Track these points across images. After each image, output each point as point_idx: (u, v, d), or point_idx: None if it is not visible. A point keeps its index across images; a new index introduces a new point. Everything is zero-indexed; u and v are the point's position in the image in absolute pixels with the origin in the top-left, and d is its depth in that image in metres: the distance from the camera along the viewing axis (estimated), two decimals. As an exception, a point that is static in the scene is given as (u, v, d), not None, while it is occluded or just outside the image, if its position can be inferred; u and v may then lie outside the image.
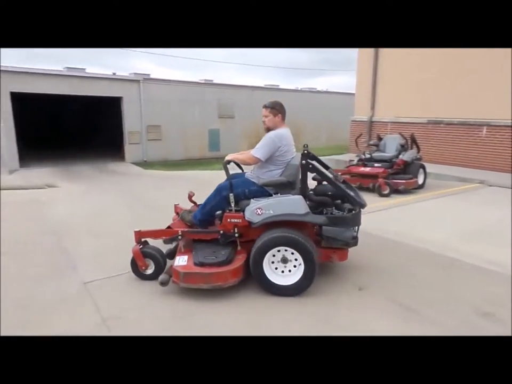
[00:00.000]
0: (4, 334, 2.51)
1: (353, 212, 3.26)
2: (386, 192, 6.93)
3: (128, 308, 2.92)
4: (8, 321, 2.70)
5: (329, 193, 3.43)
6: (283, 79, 67.04)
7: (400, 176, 7.24)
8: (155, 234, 3.54)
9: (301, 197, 3.15)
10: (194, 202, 4.06)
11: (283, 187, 3.29)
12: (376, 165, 7.45)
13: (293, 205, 3.09)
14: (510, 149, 8.82)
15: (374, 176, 7.15)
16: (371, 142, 8.65)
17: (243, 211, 3.22)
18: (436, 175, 8.62)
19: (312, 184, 3.57)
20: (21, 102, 12.59)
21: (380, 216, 5.49)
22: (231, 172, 3.51)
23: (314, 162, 3.35)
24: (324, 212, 3.32)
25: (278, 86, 21.65)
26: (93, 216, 5.65)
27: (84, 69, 14.65)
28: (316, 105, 21.69)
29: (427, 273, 3.55)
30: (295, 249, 3.03)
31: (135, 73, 15.41)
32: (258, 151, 3.30)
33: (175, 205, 4.12)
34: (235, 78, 67.82)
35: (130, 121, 15.02)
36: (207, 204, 3.50)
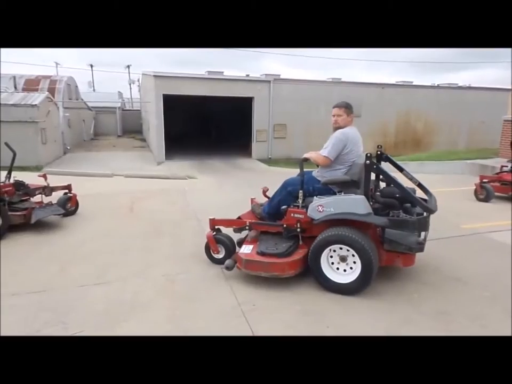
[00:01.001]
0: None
1: (421, 216, 3.12)
2: (543, 204, 5.86)
3: (258, 297, 3.19)
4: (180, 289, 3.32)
5: (397, 195, 3.28)
6: (418, 74, 61.94)
7: None
8: (226, 223, 3.90)
9: (363, 197, 3.11)
10: (268, 197, 4.26)
11: (347, 186, 3.31)
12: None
13: (354, 204, 3.07)
14: None
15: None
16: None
17: (307, 207, 3.31)
18: None
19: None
20: (169, 102, 14.55)
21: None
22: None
23: (383, 164, 3.40)
24: (390, 215, 3.17)
25: (411, 82, 20.08)
26: (225, 207, 6.23)
27: (222, 72, 16.10)
28: (457, 102, 19.40)
29: None
30: (352, 248, 3.03)
31: (266, 74, 16.24)
32: (326, 150, 3.42)
33: (252, 199, 4.38)
34: (364, 75, 65.42)
35: (259, 120, 15.91)
36: (274, 198, 3.75)
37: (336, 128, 3.58)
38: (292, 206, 3.48)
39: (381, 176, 3.49)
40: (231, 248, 3.77)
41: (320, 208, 3.19)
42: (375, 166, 3.21)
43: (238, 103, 16.84)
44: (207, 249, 3.87)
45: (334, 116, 3.58)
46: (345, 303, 3.06)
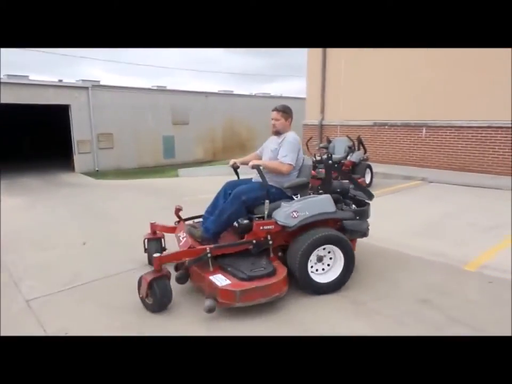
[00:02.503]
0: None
1: (367, 204, 3.55)
2: (336, 192, 7.24)
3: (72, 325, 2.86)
4: None
5: (338, 190, 3.61)
6: (237, 84, 67.47)
7: (349, 176, 7.62)
8: (177, 256, 3.07)
9: (329, 196, 3.29)
10: (180, 218, 3.77)
11: (301, 188, 3.37)
12: (326, 166, 7.78)
13: (324, 204, 3.20)
14: (447, 147, 9.54)
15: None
16: (321, 145, 8.99)
17: (268, 216, 3.15)
18: (382, 174, 9.12)
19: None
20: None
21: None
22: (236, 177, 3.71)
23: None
24: (340, 208, 3.46)
25: (232, 91, 21.82)
26: (33, 232, 5.37)
27: (27, 76, 13.96)
28: (270, 110, 22.07)
29: (375, 268, 3.77)
30: (338, 246, 3.13)
31: (83, 80, 14.90)
32: (288, 157, 3.28)
33: (152, 223, 3.80)
34: (188, 84, 67.42)
35: (80, 129, 14.48)
36: (223, 213, 3.23)
37: (275, 132, 3.51)
38: (255, 219, 3.18)
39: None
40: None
41: (294, 214, 3.06)
42: (336, 165, 3.37)
43: (53, 111, 14.91)
44: (138, 287, 3.03)
45: (272, 119, 3.51)
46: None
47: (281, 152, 3.33)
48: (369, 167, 8.09)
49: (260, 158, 3.66)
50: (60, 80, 14.90)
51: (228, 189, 3.50)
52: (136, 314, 2.90)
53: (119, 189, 9.29)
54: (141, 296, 2.99)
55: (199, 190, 8.26)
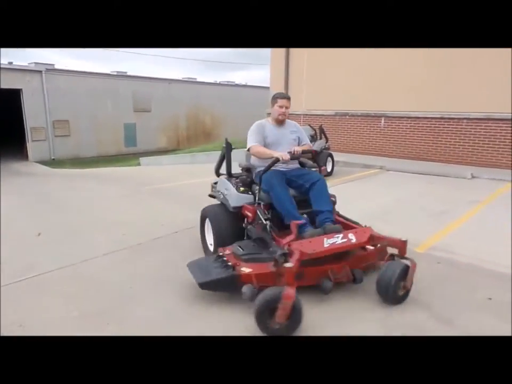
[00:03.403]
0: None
1: None
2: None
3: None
4: None
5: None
6: (201, 72, 66.38)
7: (311, 164, 7.78)
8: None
9: None
10: None
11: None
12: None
13: None
14: (404, 137, 9.96)
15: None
16: (285, 134, 9.07)
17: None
18: (343, 163, 9.38)
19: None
20: None
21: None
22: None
23: None
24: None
25: (195, 79, 21.45)
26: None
27: (-28, 57, 12.97)
28: (235, 98, 21.96)
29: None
30: None
31: (36, 63, 14.07)
32: (308, 141, 3.66)
33: None
34: (150, 70, 65.29)
35: (33, 116, 13.73)
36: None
37: (280, 121, 3.44)
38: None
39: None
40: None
41: None
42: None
43: (3, 96, 13.99)
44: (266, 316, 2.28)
45: (282, 107, 3.36)
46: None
47: (305, 138, 3.60)
48: (331, 155, 8.29)
49: None
50: (10, 63, 13.97)
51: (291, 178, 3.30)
52: (92, 303, 2.85)
53: (77, 178, 8.95)
54: (277, 322, 2.23)
55: (161, 179, 8.14)
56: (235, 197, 3.28)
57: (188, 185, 7.31)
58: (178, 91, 18.97)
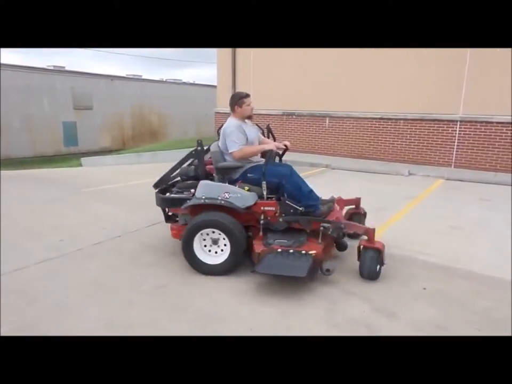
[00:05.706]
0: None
1: None
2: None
3: None
4: None
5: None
6: (146, 69, 64.32)
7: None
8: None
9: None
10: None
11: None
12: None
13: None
14: (347, 136, 10.38)
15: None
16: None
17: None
18: (290, 161, 9.54)
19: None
20: None
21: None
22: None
23: None
24: None
25: (141, 76, 20.73)
26: None
27: None
28: (183, 97, 21.52)
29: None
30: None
31: (-42, 55, 12.77)
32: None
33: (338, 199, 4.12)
34: (88, 65, 62.06)
35: (-44, 112, 12.46)
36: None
37: (249, 117, 3.74)
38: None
39: None
40: None
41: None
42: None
43: None
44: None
45: (250, 105, 3.66)
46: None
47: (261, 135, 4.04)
48: (278, 154, 8.40)
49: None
50: None
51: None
52: (22, 317, 2.63)
53: (8, 179, 8.24)
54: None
55: (104, 180, 7.75)
56: (248, 197, 3.27)
57: (132, 186, 7.03)
58: (122, 88, 18.19)
